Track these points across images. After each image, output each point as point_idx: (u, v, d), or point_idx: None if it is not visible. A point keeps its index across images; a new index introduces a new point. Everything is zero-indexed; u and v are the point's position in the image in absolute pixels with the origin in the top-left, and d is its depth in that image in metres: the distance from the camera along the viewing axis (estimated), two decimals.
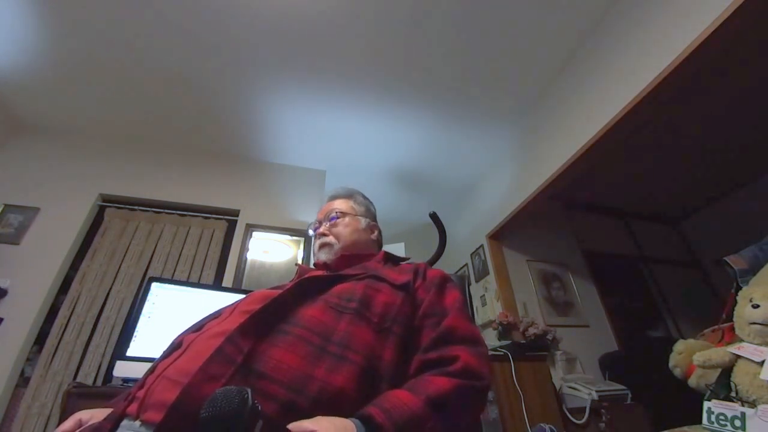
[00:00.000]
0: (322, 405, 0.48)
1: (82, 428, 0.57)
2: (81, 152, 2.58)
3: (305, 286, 0.67)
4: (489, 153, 2.99)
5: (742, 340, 1.20)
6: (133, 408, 0.50)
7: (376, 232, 1.01)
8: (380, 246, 1.03)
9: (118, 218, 2.41)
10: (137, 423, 0.48)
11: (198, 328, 0.67)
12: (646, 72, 1.67)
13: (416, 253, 1.84)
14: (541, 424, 1.85)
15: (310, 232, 0.99)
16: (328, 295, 0.65)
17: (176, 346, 0.63)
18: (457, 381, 0.56)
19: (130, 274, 2.24)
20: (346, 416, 0.47)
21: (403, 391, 0.53)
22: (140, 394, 0.52)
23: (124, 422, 0.50)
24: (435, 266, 0.99)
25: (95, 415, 0.60)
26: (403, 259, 0.90)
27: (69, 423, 0.57)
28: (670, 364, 1.46)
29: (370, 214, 1.04)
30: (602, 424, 1.94)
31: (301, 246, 2.65)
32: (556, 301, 2.79)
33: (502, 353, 2.15)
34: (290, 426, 0.42)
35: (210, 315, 0.72)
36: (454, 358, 0.59)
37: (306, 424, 0.44)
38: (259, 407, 0.36)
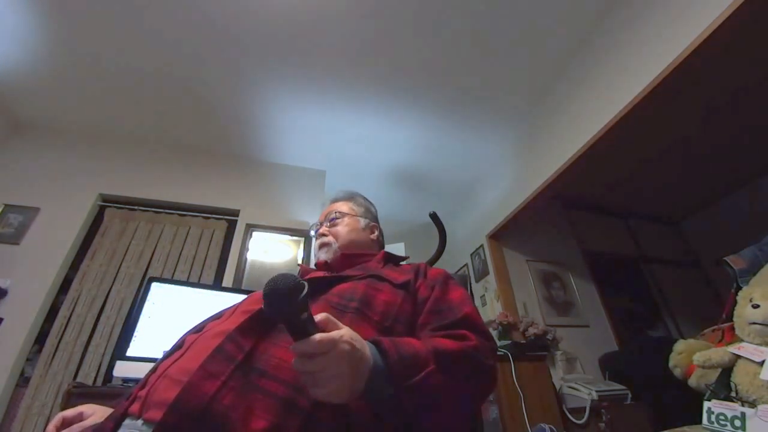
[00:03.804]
0: (323, 404, 0.48)
1: (83, 423, 0.58)
2: (81, 152, 2.58)
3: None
4: (489, 153, 2.99)
5: (742, 340, 1.20)
6: (135, 407, 0.50)
7: (376, 232, 1.02)
8: (381, 246, 1.03)
9: (118, 218, 2.41)
10: (139, 422, 0.49)
11: (199, 328, 0.67)
12: (646, 72, 1.67)
13: (416, 253, 1.84)
14: (541, 424, 1.85)
15: (312, 233, 1.02)
16: (330, 295, 0.66)
17: (178, 346, 0.63)
18: (464, 346, 0.58)
19: (130, 274, 2.24)
20: (348, 414, 0.48)
21: (415, 339, 0.56)
22: (142, 393, 0.52)
23: (127, 421, 0.50)
24: (435, 266, 1.00)
25: (97, 411, 0.60)
26: (403, 259, 0.91)
27: (71, 412, 0.59)
28: (670, 364, 1.46)
29: (371, 214, 1.05)
30: (602, 424, 1.94)
31: (301, 246, 2.65)
32: (556, 301, 2.79)
33: (502, 353, 2.15)
34: (323, 319, 0.45)
35: (211, 316, 0.72)
36: (464, 336, 0.61)
37: (337, 322, 0.46)
38: (309, 300, 0.42)
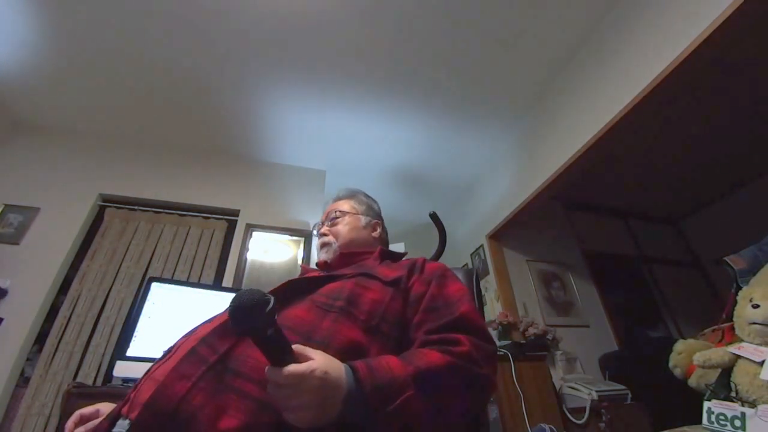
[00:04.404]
0: None
1: (98, 420, 0.60)
2: (81, 152, 2.58)
3: (294, 287, 0.67)
4: (489, 153, 2.99)
5: (742, 340, 1.20)
6: (126, 408, 0.52)
7: (378, 230, 1.01)
8: (385, 244, 1.02)
9: (118, 218, 2.41)
10: (126, 422, 0.50)
11: (192, 331, 0.67)
12: (646, 72, 1.67)
13: (416, 254, 1.83)
14: (541, 424, 1.85)
15: (314, 233, 1.02)
16: (316, 295, 0.65)
17: (170, 348, 0.64)
18: (452, 359, 0.55)
19: (130, 274, 2.24)
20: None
21: (395, 358, 0.54)
22: (133, 394, 0.53)
23: (119, 421, 0.52)
24: None
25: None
26: (402, 255, 0.90)
27: (89, 409, 0.61)
28: (670, 364, 1.46)
29: (373, 212, 1.04)
30: (602, 424, 1.94)
31: (301, 246, 2.65)
32: (556, 301, 2.79)
33: (502, 353, 2.15)
34: (294, 347, 0.46)
35: (207, 319, 0.72)
36: (457, 341, 0.58)
37: (309, 351, 0.47)
38: (276, 314, 0.42)
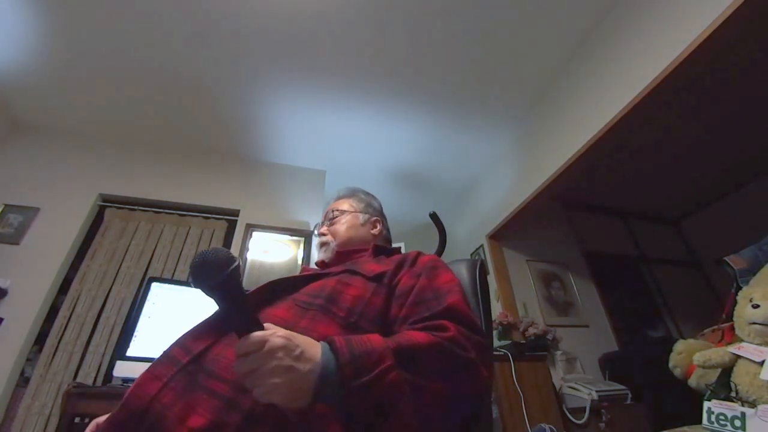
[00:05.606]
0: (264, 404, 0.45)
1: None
2: (81, 152, 2.58)
3: (274, 287, 0.67)
4: (489, 153, 2.99)
5: (742, 340, 1.21)
6: None
7: (379, 227, 1.00)
8: (387, 240, 1.02)
9: (118, 218, 2.41)
10: None
11: None
12: (646, 72, 1.67)
13: None
14: (541, 424, 1.85)
15: (315, 233, 1.03)
16: (298, 294, 0.65)
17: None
18: (438, 340, 0.52)
19: (130, 274, 2.24)
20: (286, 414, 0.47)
21: (376, 334, 0.52)
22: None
23: None
24: None
25: None
26: (396, 250, 0.89)
27: (104, 418, 0.61)
28: (670, 364, 1.46)
29: (372, 209, 1.03)
30: (602, 424, 1.94)
31: (301, 246, 2.65)
32: (556, 301, 2.79)
33: (502, 353, 2.15)
34: (266, 325, 0.45)
35: None
36: (443, 327, 0.56)
37: (278, 327, 0.45)
38: (241, 276, 0.42)
